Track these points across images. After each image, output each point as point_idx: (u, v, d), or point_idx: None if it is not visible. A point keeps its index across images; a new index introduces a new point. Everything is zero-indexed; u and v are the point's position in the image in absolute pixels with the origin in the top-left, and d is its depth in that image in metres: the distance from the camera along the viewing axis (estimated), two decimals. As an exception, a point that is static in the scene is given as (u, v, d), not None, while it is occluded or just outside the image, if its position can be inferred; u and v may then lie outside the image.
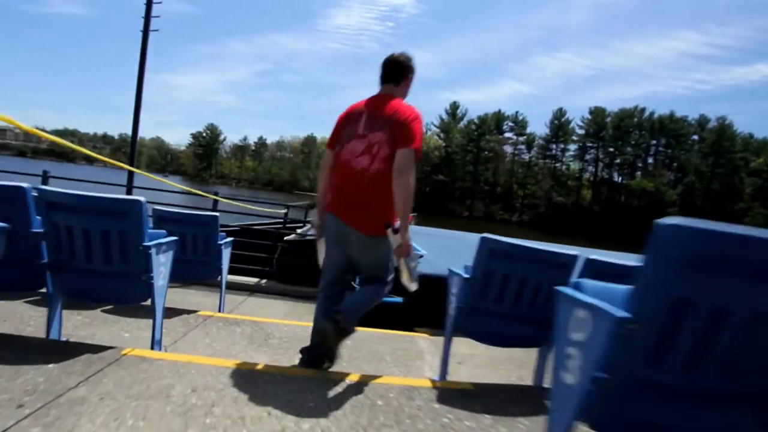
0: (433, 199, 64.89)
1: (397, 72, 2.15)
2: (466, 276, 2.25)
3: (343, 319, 1.99)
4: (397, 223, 1.91)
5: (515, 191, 70.74)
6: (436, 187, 67.15)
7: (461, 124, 73.85)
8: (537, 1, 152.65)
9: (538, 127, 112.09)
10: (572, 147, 70.71)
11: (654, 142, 67.07)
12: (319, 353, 2.08)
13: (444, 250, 6.21)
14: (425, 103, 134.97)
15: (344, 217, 2.05)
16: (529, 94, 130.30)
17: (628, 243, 47.02)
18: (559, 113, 70.84)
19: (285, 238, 5.83)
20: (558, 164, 70.50)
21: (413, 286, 2.11)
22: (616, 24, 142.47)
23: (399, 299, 3.91)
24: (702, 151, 65.03)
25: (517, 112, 73.58)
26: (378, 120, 2.01)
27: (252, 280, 5.55)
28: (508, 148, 73.65)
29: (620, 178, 68.04)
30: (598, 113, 67.45)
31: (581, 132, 68.78)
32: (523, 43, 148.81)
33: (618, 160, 66.98)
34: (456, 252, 6.62)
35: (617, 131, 65.99)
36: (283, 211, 7.05)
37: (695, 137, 66.16)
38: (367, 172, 1.98)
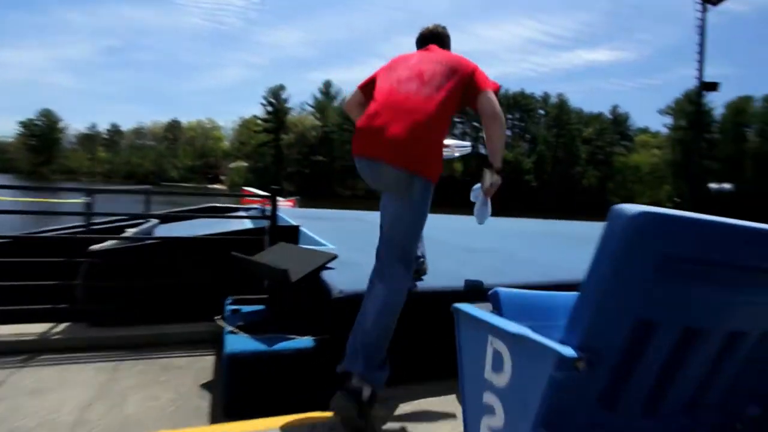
0: (315, 180, 63.25)
1: (445, 41, 2.05)
2: (570, 354, 0.78)
3: (357, 381, 1.45)
4: (493, 173, 1.91)
5: None
6: (316, 169, 65.83)
7: (335, 103, 72.15)
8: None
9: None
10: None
11: (510, 116, 73.89)
12: None
13: (353, 237, 4.51)
14: (297, 83, 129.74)
15: (375, 150, 1.63)
16: None
17: (495, 209, 53.48)
18: None
19: (94, 247, 3.28)
20: None
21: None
22: (472, 10, 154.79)
23: (307, 342, 2.02)
24: (547, 123, 75.70)
25: None
26: (433, 56, 1.81)
27: (33, 330, 3.04)
28: None
29: (484, 150, 75.58)
30: None
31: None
32: (389, 23, 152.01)
33: (482, 134, 73.97)
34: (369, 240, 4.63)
35: None
36: (80, 200, 4.22)
37: (541, 111, 75.72)
38: (416, 95, 1.63)
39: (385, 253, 1.64)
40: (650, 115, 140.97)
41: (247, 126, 74.13)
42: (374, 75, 1.84)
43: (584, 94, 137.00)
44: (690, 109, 71.18)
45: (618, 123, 79.36)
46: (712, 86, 12.37)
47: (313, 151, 65.85)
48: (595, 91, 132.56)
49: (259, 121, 71.29)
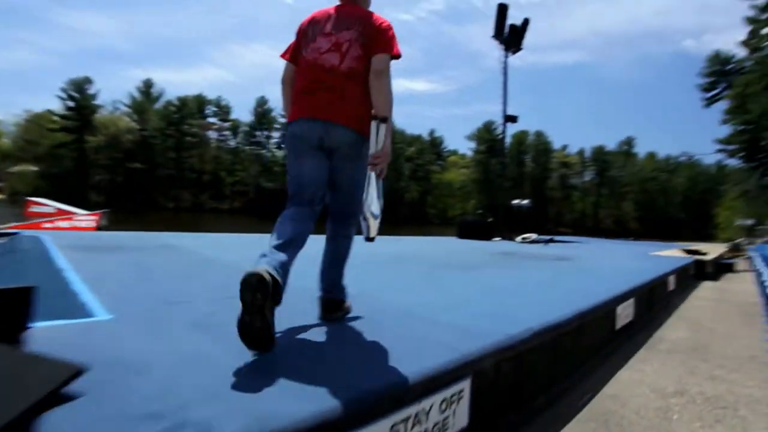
0: (129, 190, 60.89)
1: None
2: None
3: (339, 297, 2.10)
4: (379, 123, 1.88)
5: (224, 178, 73.26)
6: (133, 177, 61.83)
7: (157, 105, 70.31)
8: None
9: (242, 114, 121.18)
10: (276, 134, 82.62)
11: None
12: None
13: (149, 286, 2.96)
14: (110, 79, 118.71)
15: (318, 112, 1.92)
16: (231, 81, 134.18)
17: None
18: (262, 101, 77.88)
19: None
20: (264, 151, 77.39)
21: (374, 230, 1.93)
22: None
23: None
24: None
25: (219, 97, 76.18)
26: (347, 20, 2.00)
27: None
28: (213, 134, 75.01)
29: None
30: None
31: (283, 120, 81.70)
32: (220, 28, 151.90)
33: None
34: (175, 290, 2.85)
35: None
36: None
37: None
38: (338, 69, 1.94)
39: (346, 211, 2.09)
40: (459, 140, 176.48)
41: (38, 122, 66.08)
42: (295, 41, 2.10)
43: (406, 117, 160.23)
44: (488, 137, 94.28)
45: (434, 145, 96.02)
46: (513, 119, 14.16)
47: (129, 157, 62.14)
48: (416, 116, 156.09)
49: (55, 118, 63.70)
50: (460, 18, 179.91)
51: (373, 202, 1.93)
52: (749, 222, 27.06)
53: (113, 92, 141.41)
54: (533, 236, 11.56)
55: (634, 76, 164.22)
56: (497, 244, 10.08)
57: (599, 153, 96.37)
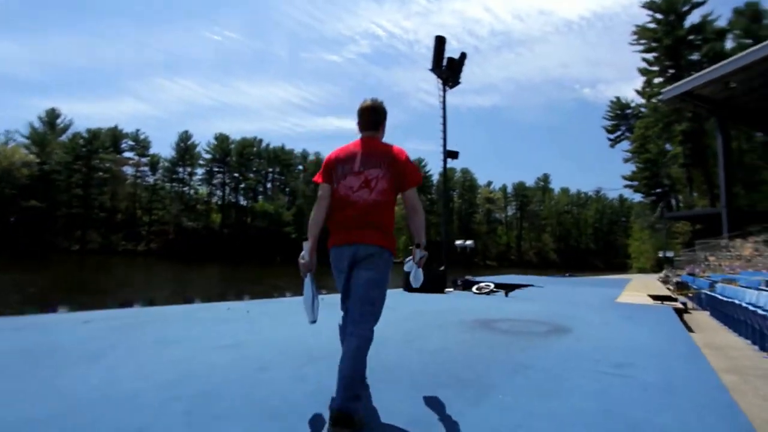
0: (23, 231, 53.59)
1: (377, 119, 2.46)
2: None
3: (349, 414, 1.92)
4: (420, 252, 2.31)
5: (140, 217, 67.16)
6: (26, 216, 53.92)
7: (63, 138, 63.53)
8: (160, 23, 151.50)
9: (163, 149, 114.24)
10: (200, 171, 76.91)
11: (271, 169, 79.44)
12: None
13: None
14: (7, 109, 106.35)
15: (350, 238, 2.26)
16: (152, 115, 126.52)
17: (258, 262, 57.15)
18: (185, 136, 74.03)
19: None
20: (186, 188, 72.11)
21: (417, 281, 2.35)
22: (235, 66, 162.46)
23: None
24: (306, 179, 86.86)
25: (138, 131, 70.29)
26: (373, 158, 2.31)
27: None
28: (129, 170, 69.06)
29: (246, 202, 76.19)
30: (223, 140, 73.35)
31: (208, 156, 72.85)
32: (144, 61, 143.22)
33: (243, 185, 74.93)
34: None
35: (241, 158, 73.83)
36: None
37: (300, 167, 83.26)
38: (367, 202, 2.27)
39: (363, 310, 2.17)
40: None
41: None
42: (326, 170, 2.41)
43: None
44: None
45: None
46: (454, 154, 13.52)
47: (25, 194, 54.35)
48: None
49: (-67, 150, 56.44)
50: (385, 61, 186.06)
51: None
52: (669, 254, 28.02)
53: (8, 122, 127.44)
54: (490, 285, 9.89)
55: (544, 119, 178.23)
56: (455, 299, 8.27)
57: (520, 189, 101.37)
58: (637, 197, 60.10)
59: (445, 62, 15.58)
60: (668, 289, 13.61)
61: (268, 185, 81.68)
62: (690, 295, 11.86)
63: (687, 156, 42.10)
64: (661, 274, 26.20)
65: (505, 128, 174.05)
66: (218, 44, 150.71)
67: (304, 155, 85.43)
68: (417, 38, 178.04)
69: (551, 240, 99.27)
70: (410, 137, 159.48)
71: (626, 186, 53.39)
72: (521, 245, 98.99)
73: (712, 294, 9.08)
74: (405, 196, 2.35)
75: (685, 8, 42.74)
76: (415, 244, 2.37)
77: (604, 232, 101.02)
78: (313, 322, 2.30)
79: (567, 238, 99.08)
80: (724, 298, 8.06)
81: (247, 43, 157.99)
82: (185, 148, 72.03)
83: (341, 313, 2.41)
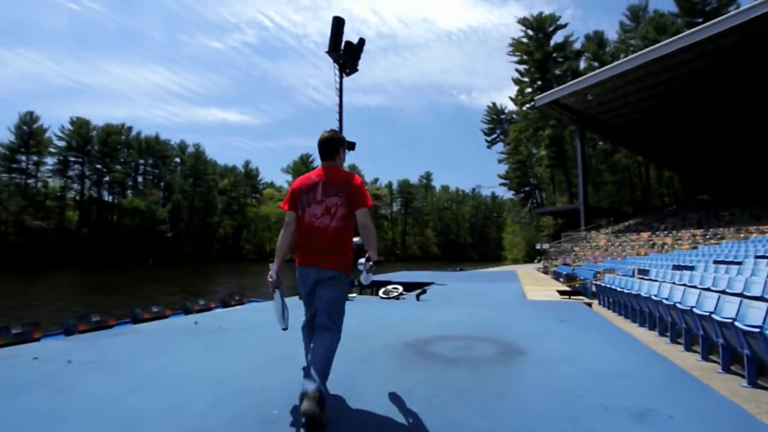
0: None
1: (333, 149, 2.70)
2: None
3: (316, 392, 2.20)
4: (371, 261, 2.49)
5: None
6: None
7: None
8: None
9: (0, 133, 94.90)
10: (50, 161, 64.15)
11: (142, 161, 69.94)
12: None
13: None
14: None
15: (314, 262, 2.55)
16: None
17: (127, 266, 49.65)
18: (29, 118, 61.42)
19: None
20: (31, 180, 59.47)
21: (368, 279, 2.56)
22: (98, 42, 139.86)
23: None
24: (184, 172, 78.60)
25: None
26: (333, 187, 2.56)
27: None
28: None
29: (111, 197, 65.87)
30: (81, 125, 62.14)
31: (62, 144, 61.34)
32: None
33: (107, 178, 64.41)
34: None
35: (105, 147, 63.24)
36: None
37: (177, 159, 75.02)
38: (329, 228, 2.54)
39: (330, 320, 2.49)
40: (275, 172, 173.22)
41: None
42: (291, 198, 2.66)
43: (218, 148, 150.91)
44: (305, 169, 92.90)
45: (250, 177, 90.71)
46: (351, 145, 12.97)
47: None
48: (229, 147, 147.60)
49: None
50: (273, 53, 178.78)
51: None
52: (545, 246, 30.41)
53: None
54: (398, 288, 8.83)
55: (426, 120, 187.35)
56: (365, 310, 7.02)
57: (405, 186, 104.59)
58: (509, 195, 65.59)
59: (342, 46, 14.31)
60: (559, 281, 14.11)
61: (139, 179, 72.07)
62: (577, 285, 12.26)
63: (551, 158, 46.73)
64: (539, 265, 28.29)
65: (391, 128, 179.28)
66: (74, 14, 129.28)
67: (183, 147, 77.24)
68: (306, 32, 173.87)
69: (433, 234, 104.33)
70: (297, 133, 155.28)
71: (501, 184, 57.79)
72: (406, 240, 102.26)
73: (609, 286, 9.18)
74: (356, 215, 2.58)
75: (551, 28, 47.39)
76: (366, 256, 2.53)
77: (480, 227, 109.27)
78: (285, 329, 2.62)
79: (447, 232, 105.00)
80: (625, 290, 8.05)
81: (113, 17, 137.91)
82: (29, 133, 59.56)
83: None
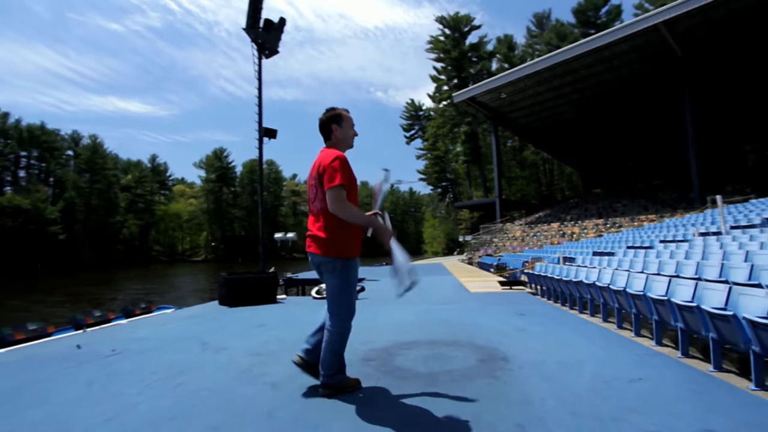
0: None
1: (323, 130, 2.59)
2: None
3: (326, 385, 2.48)
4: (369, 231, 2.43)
5: None
6: None
7: None
8: None
9: None
10: None
11: (24, 153, 61.20)
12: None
13: None
14: None
15: (307, 247, 2.52)
16: None
17: (5, 273, 42.19)
18: None
19: None
20: None
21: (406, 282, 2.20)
22: None
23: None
24: (79, 167, 69.20)
25: None
26: (315, 168, 2.49)
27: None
28: None
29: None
30: None
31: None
32: None
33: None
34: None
35: None
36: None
37: (70, 152, 66.39)
38: (314, 211, 2.52)
39: (329, 307, 2.45)
40: (187, 167, 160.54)
41: None
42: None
43: (119, 141, 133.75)
44: (219, 164, 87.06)
45: (158, 172, 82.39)
46: (272, 133, 11.96)
47: None
48: (132, 140, 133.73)
49: None
50: (180, 40, 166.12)
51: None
52: (468, 238, 31.13)
53: None
54: None
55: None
56: (299, 314, 6.04)
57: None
58: (427, 189, 67.05)
59: (262, 24, 13.00)
60: (490, 271, 14.13)
61: (21, 173, 62.33)
62: (506, 275, 12.29)
63: (467, 154, 48.35)
64: (463, 257, 28.85)
65: (309, 122, 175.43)
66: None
67: (76, 138, 68.25)
68: (217, 20, 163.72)
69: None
70: (210, 126, 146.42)
71: (420, 179, 58.78)
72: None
73: (543, 274, 9.10)
74: (326, 197, 2.40)
75: (466, 29, 48.89)
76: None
77: (399, 221, 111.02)
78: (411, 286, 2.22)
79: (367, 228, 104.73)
80: (563, 278, 7.93)
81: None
82: None
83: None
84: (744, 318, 2.76)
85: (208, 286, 25.24)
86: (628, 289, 5.63)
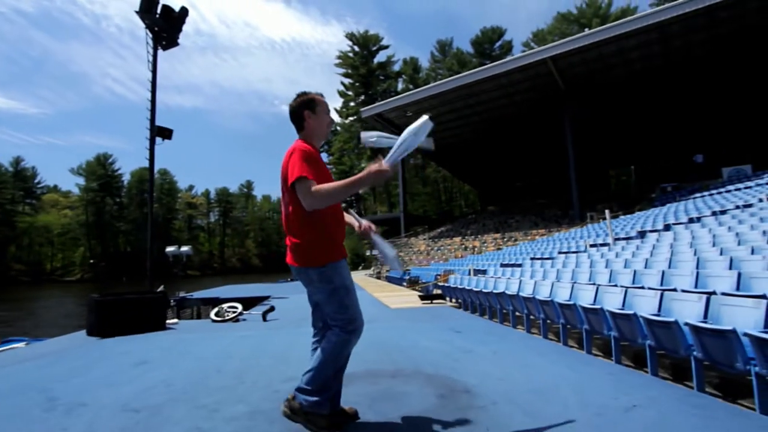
0: None
1: (294, 120, 2.18)
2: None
3: (295, 402, 2.05)
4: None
5: None
6: None
7: None
8: None
9: None
10: None
11: None
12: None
13: None
14: None
15: (287, 259, 2.13)
16: None
17: None
18: None
19: None
20: None
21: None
22: None
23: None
24: None
25: None
26: (281, 171, 2.06)
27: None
28: None
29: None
30: None
31: None
32: None
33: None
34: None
35: None
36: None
37: None
38: (283, 215, 2.10)
39: (328, 322, 2.08)
40: (61, 174, 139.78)
41: None
42: None
43: None
44: (102, 171, 76.70)
45: (22, 178, 70.74)
46: (166, 133, 11.05)
47: None
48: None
49: None
50: (58, 30, 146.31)
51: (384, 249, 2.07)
52: (374, 252, 30.76)
53: None
54: (236, 307, 6.67)
55: (247, 127, 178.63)
56: (196, 342, 4.87)
57: (223, 194, 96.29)
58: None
59: (159, 11, 11.46)
60: (402, 285, 13.76)
61: None
62: (418, 288, 12.03)
63: (373, 170, 48.84)
64: (370, 271, 28.43)
65: (209, 132, 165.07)
66: None
67: None
68: (106, 13, 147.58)
69: (254, 245, 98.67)
70: (92, 130, 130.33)
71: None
72: (224, 252, 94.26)
73: (460, 287, 8.90)
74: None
75: (375, 48, 49.87)
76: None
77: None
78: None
79: (269, 243, 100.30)
80: (483, 290, 7.75)
81: None
82: None
83: None
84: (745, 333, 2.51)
85: (79, 311, 21.40)
86: (555, 299, 5.51)
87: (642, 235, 12.00)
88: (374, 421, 2.11)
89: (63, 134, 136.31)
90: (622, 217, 18.46)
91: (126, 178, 74.04)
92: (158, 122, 10.99)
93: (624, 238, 12.40)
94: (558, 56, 21.37)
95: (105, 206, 70.34)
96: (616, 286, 5.57)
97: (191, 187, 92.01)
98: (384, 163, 1.85)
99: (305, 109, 2.13)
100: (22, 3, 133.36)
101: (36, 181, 71.65)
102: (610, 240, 11.61)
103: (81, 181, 70.27)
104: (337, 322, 2.02)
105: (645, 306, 4.36)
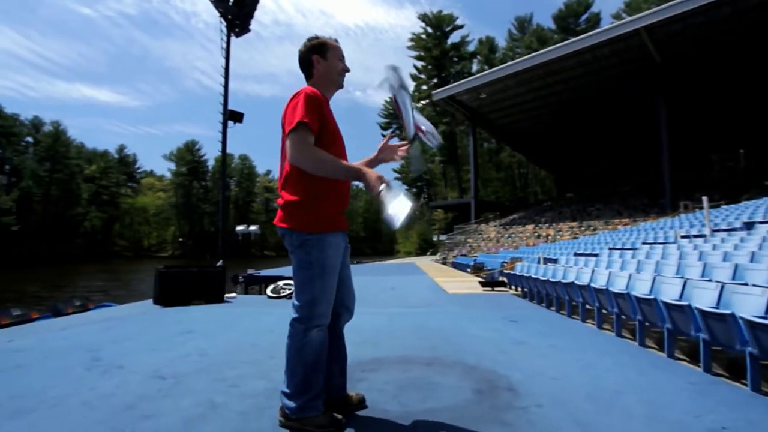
0: None
1: (303, 66, 1.94)
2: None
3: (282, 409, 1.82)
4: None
5: None
6: None
7: None
8: None
9: None
10: None
11: None
12: None
13: None
14: None
15: (276, 220, 1.87)
16: None
17: None
18: None
19: None
20: None
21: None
22: None
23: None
24: (39, 154, 64.98)
25: None
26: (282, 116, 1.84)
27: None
28: None
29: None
30: None
31: None
32: None
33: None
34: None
35: None
36: None
37: (30, 139, 62.35)
38: (280, 171, 1.89)
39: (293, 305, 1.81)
40: (156, 160, 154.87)
41: None
42: None
43: (85, 130, 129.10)
44: (190, 157, 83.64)
45: (125, 164, 77.97)
46: (238, 116, 11.53)
47: None
48: (99, 130, 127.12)
49: None
50: (155, 29, 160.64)
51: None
52: (443, 237, 30.41)
53: None
54: (290, 283, 6.73)
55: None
56: (249, 317, 4.94)
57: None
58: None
59: (232, -1, 11.85)
60: (467, 272, 13.32)
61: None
62: (483, 275, 11.48)
63: (444, 154, 47.86)
64: (437, 257, 28.11)
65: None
66: None
67: (37, 124, 64.17)
68: (195, 10, 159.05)
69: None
70: (182, 119, 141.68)
71: (396, 179, 57.96)
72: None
73: (527, 275, 8.27)
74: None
75: (449, 28, 48.39)
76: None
77: (372, 221, 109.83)
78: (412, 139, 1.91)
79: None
80: (552, 279, 7.10)
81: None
82: None
83: None
84: None
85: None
86: (632, 292, 4.83)
87: (749, 226, 10.36)
88: (393, 412, 1.86)
89: (159, 124, 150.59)
90: (725, 206, 16.16)
91: (210, 163, 79.77)
92: (239, 110, 11.49)
93: (725, 230, 10.81)
94: (654, 25, 18.96)
95: (192, 189, 76.51)
96: (710, 281, 4.75)
97: (269, 172, 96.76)
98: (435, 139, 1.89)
99: (314, 53, 1.88)
100: (125, 6, 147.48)
101: (136, 166, 79.74)
102: (707, 231, 10.18)
103: (172, 166, 77.02)
104: (295, 308, 1.78)
105: (748, 306, 3.63)
